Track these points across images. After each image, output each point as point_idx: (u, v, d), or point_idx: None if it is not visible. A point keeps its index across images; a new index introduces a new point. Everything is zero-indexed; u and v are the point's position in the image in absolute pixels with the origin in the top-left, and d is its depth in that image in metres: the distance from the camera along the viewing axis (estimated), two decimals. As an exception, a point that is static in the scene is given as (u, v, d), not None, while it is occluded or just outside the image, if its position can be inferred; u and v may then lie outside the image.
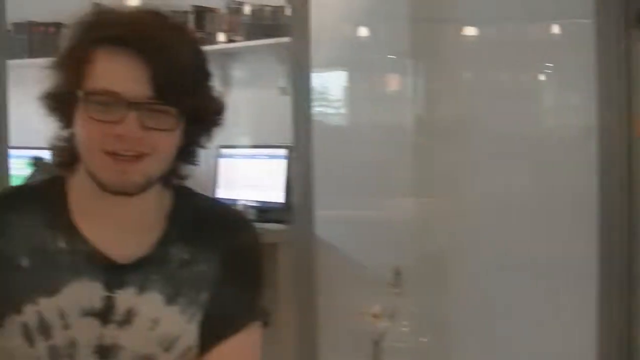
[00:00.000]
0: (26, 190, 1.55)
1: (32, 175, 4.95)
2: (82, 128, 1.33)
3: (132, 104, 1.29)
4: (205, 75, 1.41)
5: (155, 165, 1.35)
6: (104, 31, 1.33)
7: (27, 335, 1.37)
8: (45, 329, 1.37)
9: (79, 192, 1.41)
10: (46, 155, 5.46)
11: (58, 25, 5.52)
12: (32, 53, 5.45)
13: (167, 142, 1.35)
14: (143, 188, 1.34)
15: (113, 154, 1.31)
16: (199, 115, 1.38)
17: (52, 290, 1.37)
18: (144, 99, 1.30)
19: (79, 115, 1.33)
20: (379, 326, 1.66)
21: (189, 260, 1.46)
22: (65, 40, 1.38)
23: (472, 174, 3.73)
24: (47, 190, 1.44)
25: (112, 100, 1.30)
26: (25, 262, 1.38)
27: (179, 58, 1.32)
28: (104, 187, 1.34)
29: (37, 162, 4.98)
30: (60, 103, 1.37)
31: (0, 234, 1.39)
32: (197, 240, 1.47)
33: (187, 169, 1.48)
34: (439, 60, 3.92)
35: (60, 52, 1.38)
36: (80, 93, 1.32)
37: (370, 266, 3.74)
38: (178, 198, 1.50)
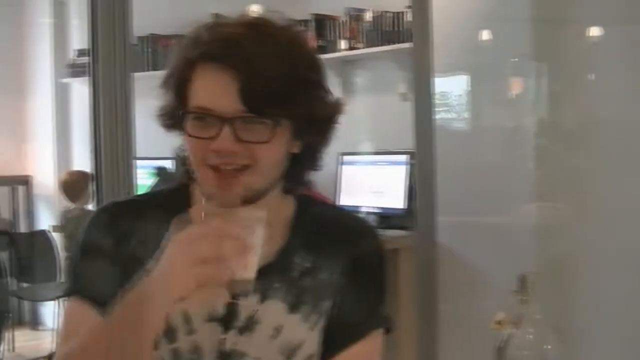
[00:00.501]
0: (155, 197, 1.59)
1: (155, 185, 5.12)
2: (187, 145, 1.37)
3: (226, 119, 1.31)
4: (312, 83, 1.39)
5: (258, 177, 1.35)
6: (199, 49, 1.34)
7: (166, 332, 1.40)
8: (170, 332, 1.40)
9: (199, 201, 1.43)
10: (168, 165, 5.68)
11: (182, 38, 5.68)
12: (156, 66, 5.65)
13: (267, 153, 1.34)
14: (248, 200, 1.31)
15: (216, 169, 1.33)
16: (308, 122, 1.37)
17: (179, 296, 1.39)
18: (237, 113, 1.31)
19: (184, 132, 1.36)
20: (503, 333, 1.63)
21: (311, 268, 1.46)
22: (169, 59, 1.41)
23: (596, 177, 3.63)
24: (174, 198, 1.48)
25: (207, 117, 1.32)
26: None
27: (270, 69, 1.31)
28: (209, 200, 1.36)
29: (160, 171, 5.14)
30: (172, 120, 1.41)
31: (132, 238, 1.44)
32: (320, 248, 1.47)
33: (309, 175, 1.48)
34: (562, 62, 3.83)
35: (165, 71, 1.41)
36: (180, 112, 1.36)
37: (493, 272, 3.70)
38: (300, 206, 1.50)
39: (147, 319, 1.26)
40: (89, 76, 5.40)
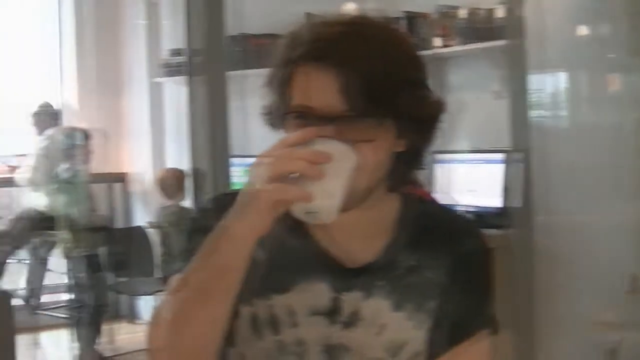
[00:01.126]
0: None
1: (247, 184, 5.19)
2: None
3: (328, 119, 1.30)
4: (414, 81, 1.38)
5: (362, 176, 1.33)
6: (301, 48, 1.34)
7: (255, 328, 1.42)
8: (273, 323, 1.42)
9: None
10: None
11: (273, 37, 5.74)
12: (247, 65, 5.72)
13: (370, 152, 1.33)
14: (353, 200, 1.32)
15: None
16: (412, 121, 1.36)
17: (283, 288, 1.42)
18: (339, 113, 1.30)
19: (287, 132, 1.36)
20: (613, 335, 1.59)
21: (416, 266, 1.46)
22: (271, 59, 1.41)
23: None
24: None
25: (309, 116, 1.32)
26: (263, 256, 1.39)
27: (372, 68, 1.31)
28: None
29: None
30: (277, 119, 1.41)
31: None
32: (425, 246, 1.47)
33: (413, 173, 1.48)
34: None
35: (268, 71, 1.42)
36: (282, 111, 1.37)
37: (591, 272, 3.63)
38: (405, 204, 1.50)
39: (229, 253, 1.28)
40: (186, 75, 5.50)
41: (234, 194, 1.44)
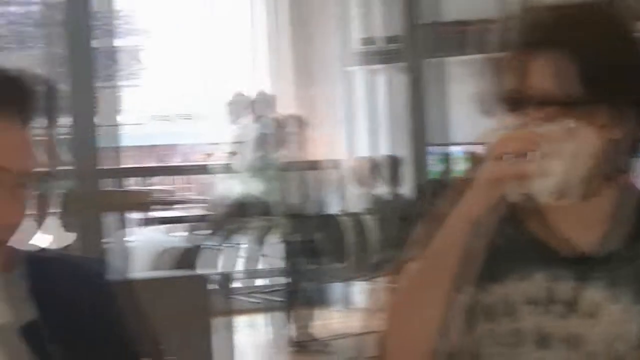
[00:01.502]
0: None
1: (467, 171, 5.10)
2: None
3: (544, 104, 1.29)
4: (634, 66, 1.33)
5: (581, 163, 1.30)
6: (517, 35, 1.33)
7: (470, 317, 1.40)
8: (489, 313, 1.39)
9: None
10: (479, 150, 5.59)
11: (466, 24, 5.65)
12: (462, 51, 5.64)
13: (589, 138, 1.30)
14: (575, 188, 1.29)
15: None
16: (630, 107, 1.32)
17: (499, 277, 1.39)
18: (555, 98, 1.28)
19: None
20: None
21: (635, 258, 1.39)
22: (493, 43, 1.40)
23: None
24: None
25: (525, 102, 1.31)
26: (500, 242, 1.39)
27: (592, 54, 1.29)
28: None
29: (473, 157, 5.13)
30: (490, 105, 1.38)
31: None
32: None
33: (629, 162, 1.42)
34: None
35: (489, 56, 1.40)
36: (497, 96, 1.35)
37: None
38: (624, 194, 1.43)
39: (448, 235, 1.29)
40: (380, 63, 5.51)
41: (443, 181, 1.45)
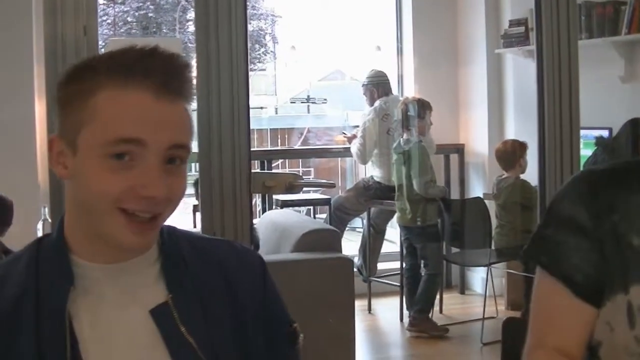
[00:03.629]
0: (625, 170, 1.51)
1: (594, 155, 4.97)
2: None
3: None
4: None
5: None
6: None
7: (630, 315, 1.39)
8: (631, 318, 1.38)
9: None
10: (606, 134, 5.47)
11: (618, 4, 5.46)
12: (591, 33, 5.48)
13: None
14: None
15: None
16: None
17: None
18: None
19: None
20: None
21: None
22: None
23: None
24: None
25: None
26: (636, 241, 1.38)
27: None
28: None
29: (599, 141, 4.98)
30: None
31: (615, 212, 1.41)
32: None
33: None
34: None
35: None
36: None
37: None
38: None
39: None
40: (530, 46, 5.39)
41: (604, 173, 1.48)
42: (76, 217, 1.37)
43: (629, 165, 1.52)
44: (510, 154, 5.55)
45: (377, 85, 6.37)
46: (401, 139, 5.77)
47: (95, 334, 1.35)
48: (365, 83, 6.45)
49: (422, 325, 5.55)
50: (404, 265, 6.00)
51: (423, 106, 5.74)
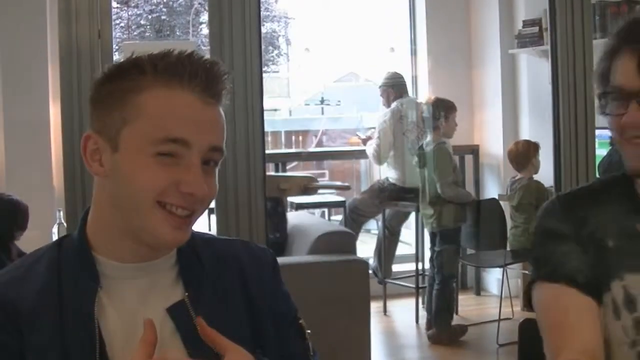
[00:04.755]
0: (601, 184, 1.70)
1: (609, 155, 4.95)
2: (609, 124, 1.57)
3: (632, 94, 1.48)
4: None
5: None
6: (618, 36, 1.53)
7: (615, 309, 1.53)
8: (629, 303, 1.52)
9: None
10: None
11: (633, 3, 5.44)
12: (604, 32, 5.47)
13: None
14: None
15: (632, 142, 1.51)
16: None
17: (635, 267, 1.53)
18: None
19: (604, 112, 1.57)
20: None
21: None
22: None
23: None
24: (619, 184, 1.64)
25: (618, 95, 1.51)
26: (611, 243, 1.56)
27: None
28: (630, 173, 1.55)
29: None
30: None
31: (587, 223, 1.59)
32: None
33: None
34: None
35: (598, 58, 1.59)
36: (601, 95, 1.56)
37: None
38: None
39: None
40: (544, 46, 5.37)
41: (573, 194, 1.67)
42: (109, 214, 1.40)
43: (604, 181, 1.71)
44: (522, 155, 5.52)
45: (394, 87, 6.35)
46: (424, 142, 5.75)
47: (119, 334, 1.37)
48: (382, 84, 6.44)
49: (438, 327, 5.51)
50: (419, 267, 5.99)
51: (446, 107, 5.67)
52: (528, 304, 1.66)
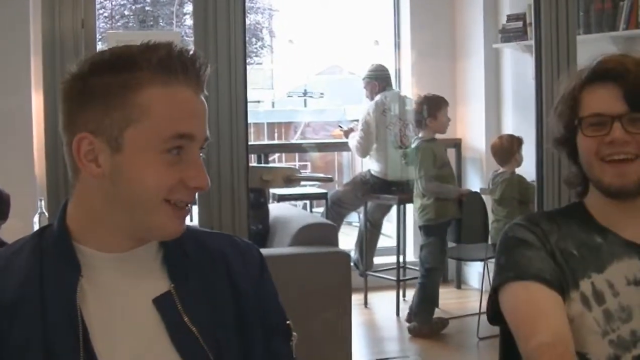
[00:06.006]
0: (559, 212, 1.93)
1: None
2: (581, 146, 1.78)
3: (615, 117, 1.73)
4: None
5: None
6: (590, 72, 1.76)
7: (585, 302, 1.74)
8: (598, 296, 1.74)
9: (596, 206, 1.85)
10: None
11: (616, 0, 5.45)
12: (588, 29, 5.49)
13: None
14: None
15: (609, 162, 1.73)
16: None
17: (599, 268, 1.77)
18: (623, 113, 1.73)
19: (578, 137, 1.78)
20: None
21: None
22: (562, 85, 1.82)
23: None
24: (575, 210, 1.88)
25: (599, 119, 1.74)
26: (574, 250, 1.79)
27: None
28: (607, 191, 1.77)
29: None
30: (565, 136, 1.81)
31: (551, 236, 1.81)
32: None
33: None
34: None
35: (560, 97, 1.82)
36: (576, 120, 1.77)
37: None
38: None
39: None
40: (527, 41, 5.38)
41: (545, 214, 1.91)
42: (101, 209, 1.38)
43: (562, 209, 1.96)
44: (506, 149, 5.53)
45: (378, 79, 6.33)
46: (409, 133, 5.75)
47: (101, 323, 1.36)
48: (366, 76, 6.42)
49: (419, 320, 5.52)
50: (399, 259, 5.99)
51: (434, 104, 5.64)
52: (492, 317, 1.83)
